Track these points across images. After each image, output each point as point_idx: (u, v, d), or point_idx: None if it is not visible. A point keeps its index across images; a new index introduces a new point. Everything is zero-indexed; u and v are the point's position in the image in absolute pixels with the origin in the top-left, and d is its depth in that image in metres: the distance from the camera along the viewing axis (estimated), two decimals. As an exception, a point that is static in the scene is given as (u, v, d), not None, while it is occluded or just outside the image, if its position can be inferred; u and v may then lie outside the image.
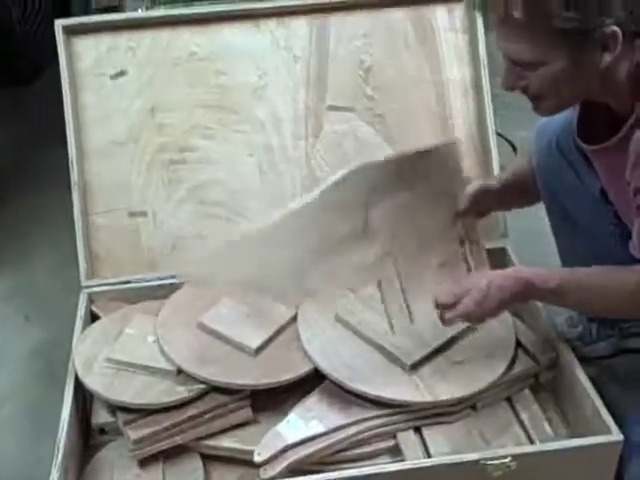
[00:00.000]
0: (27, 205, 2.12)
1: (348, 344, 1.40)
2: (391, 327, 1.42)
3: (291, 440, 1.27)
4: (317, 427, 1.29)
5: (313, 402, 1.33)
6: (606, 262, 1.27)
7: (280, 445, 1.27)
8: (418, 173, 1.39)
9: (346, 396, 1.33)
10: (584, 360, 1.39)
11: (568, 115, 1.32)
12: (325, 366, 1.35)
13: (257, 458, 1.25)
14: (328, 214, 1.34)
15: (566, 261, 1.49)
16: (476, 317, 1.28)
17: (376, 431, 1.30)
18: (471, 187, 1.43)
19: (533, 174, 1.43)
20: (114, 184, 1.64)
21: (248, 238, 1.36)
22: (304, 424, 1.29)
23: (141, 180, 1.65)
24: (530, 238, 1.62)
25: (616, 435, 1.23)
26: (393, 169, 1.38)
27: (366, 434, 1.30)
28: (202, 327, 1.44)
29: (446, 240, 1.47)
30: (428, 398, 1.30)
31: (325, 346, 1.39)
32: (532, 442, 1.29)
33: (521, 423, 1.33)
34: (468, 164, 1.59)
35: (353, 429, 1.29)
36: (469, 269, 1.46)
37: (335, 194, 1.33)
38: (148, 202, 1.65)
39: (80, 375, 1.38)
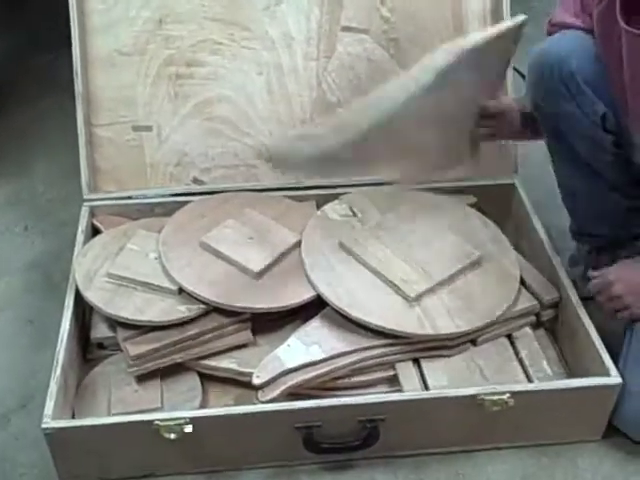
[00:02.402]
0: (27, 114, 2.07)
1: (351, 272, 1.39)
2: (396, 258, 1.41)
3: (290, 364, 1.27)
4: (317, 353, 1.28)
5: (314, 328, 1.33)
6: (605, 194, 1.31)
7: (279, 369, 1.27)
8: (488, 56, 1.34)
9: (347, 324, 1.32)
10: (584, 299, 1.38)
11: (569, 44, 1.31)
12: (327, 293, 1.34)
13: (256, 380, 1.26)
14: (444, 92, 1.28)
15: (566, 194, 1.49)
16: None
17: (375, 360, 1.31)
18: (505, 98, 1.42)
19: None
20: (118, 96, 1.59)
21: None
22: (304, 349, 1.29)
23: (146, 93, 1.60)
24: (539, 174, 1.59)
25: (615, 378, 1.23)
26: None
27: (365, 363, 1.30)
28: (205, 247, 1.42)
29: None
30: (429, 331, 1.30)
31: (328, 273, 1.38)
32: (530, 380, 1.30)
33: (520, 360, 1.34)
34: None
35: (353, 357, 1.29)
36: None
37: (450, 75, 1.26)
38: (153, 116, 1.60)
39: (81, 289, 1.37)
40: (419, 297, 1.34)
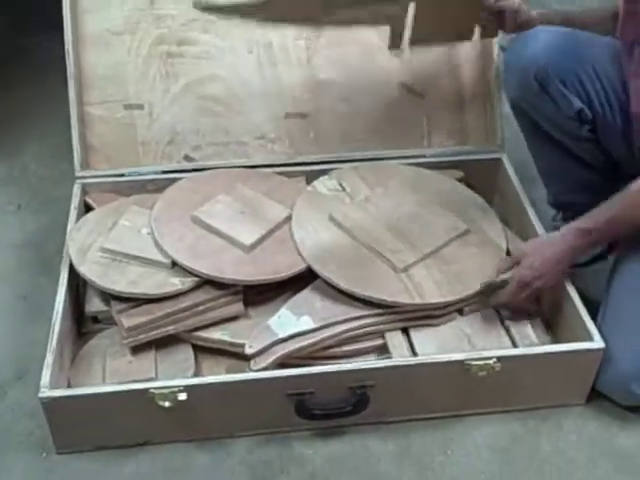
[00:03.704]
0: (17, 95, 2.08)
1: (341, 245, 1.42)
2: (384, 230, 1.44)
3: (281, 334, 1.30)
4: (307, 323, 1.31)
5: (304, 299, 1.36)
6: (581, 172, 1.44)
7: (271, 339, 1.29)
8: None
9: (337, 295, 1.35)
10: (575, 267, 1.41)
11: (542, 42, 1.35)
12: (317, 265, 1.37)
13: (248, 350, 1.28)
14: None
15: (541, 171, 1.56)
16: (532, 286, 1.31)
17: (365, 330, 1.33)
18: None
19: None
20: (110, 75, 1.61)
21: None
22: (295, 319, 1.32)
23: (138, 72, 1.62)
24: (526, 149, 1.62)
25: (598, 342, 1.26)
26: None
27: (355, 332, 1.33)
28: (197, 221, 1.44)
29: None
30: (417, 300, 1.33)
31: (318, 246, 1.41)
32: (516, 347, 1.33)
33: (506, 328, 1.37)
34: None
35: (342, 327, 1.32)
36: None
37: None
38: (144, 95, 1.62)
39: (75, 263, 1.39)
40: (407, 268, 1.37)
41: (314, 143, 1.65)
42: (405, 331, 1.36)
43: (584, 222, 1.29)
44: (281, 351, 1.28)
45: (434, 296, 1.34)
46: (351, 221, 1.45)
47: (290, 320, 1.32)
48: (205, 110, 1.63)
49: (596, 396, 1.33)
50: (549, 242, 1.34)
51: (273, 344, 1.29)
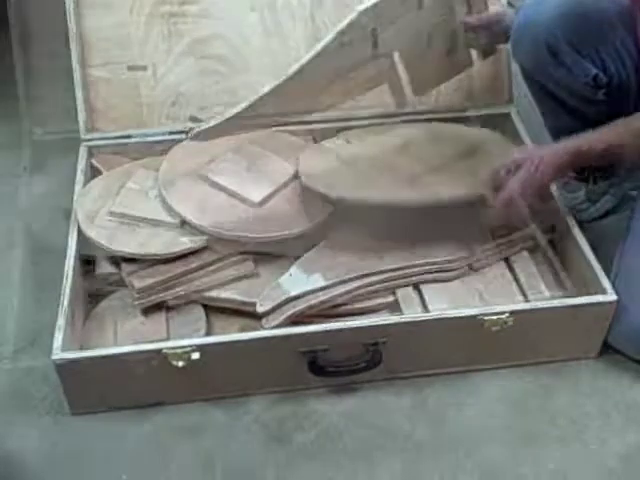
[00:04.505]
0: (22, 56, 2.05)
1: (347, 169, 1.42)
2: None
3: (293, 292, 1.30)
4: (319, 281, 1.31)
5: (315, 257, 1.35)
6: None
7: (282, 297, 1.29)
8: None
9: (348, 252, 1.35)
10: (590, 221, 1.41)
11: (554, 11, 1.31)
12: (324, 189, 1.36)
13: (260, 308, 1.28)
14: (342, 50, 1.28)
15: (552, 132, 1.53)
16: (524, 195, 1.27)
17: (376, 287, 1.33)
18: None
19: None
20: (112, 36, 1.59)
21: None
22: (305, 277, 1.32)
23: (140, 33, 1.60)
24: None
25: (610, 295, 1.26)
26: None
27: (366, 289, 1.33)
28: (204, 179, 1.43)
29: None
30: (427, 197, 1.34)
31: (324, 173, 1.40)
32: (528, 301, 1.32)
33: (518, 283, 1.36)
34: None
35: (354, 284, 1.32)
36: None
37: (347, 35, 1.27)
38: (147, 56, 1.60)
39: (83, 228, 1.38)
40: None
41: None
42: (417, 287, 1.35)
43: (580, 141, 1.27)
44: (292, 309, 1.28)
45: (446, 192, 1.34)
46: (357, 154, 1.45)
47: (301, 278, 1.32)
48: (209, 70, 1.61)
49: (608, 350, 1.33)
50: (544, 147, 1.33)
51: (284, 302, 1.29)
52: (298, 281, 1.31)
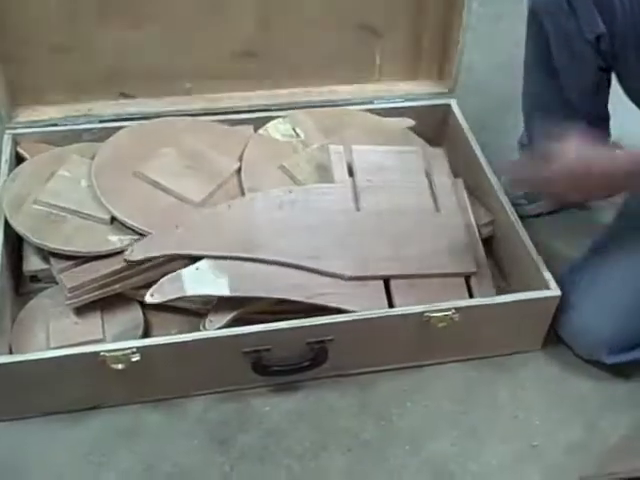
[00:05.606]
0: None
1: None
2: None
3: (190, 292, 1.20)
4: (222, 288, 1.20)
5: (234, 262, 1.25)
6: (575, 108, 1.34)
7: (177, 293, 1.20)
8: None
9: (269, 268, 1.26)
10: (526, 217, 1.41)
11: None
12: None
13: (148, 299, 1.20)
14: None
15: (530, 102, 1.50)
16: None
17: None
18: None
19: None
20: (35, 13, 1.49)
21: None
22: (212, 278, 1.21)
23: (66, 8, 1.49)
24: (476, 94, 1.60)
25: (554, 290, 1.27)
26: None
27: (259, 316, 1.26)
28: (141, 177, 1.37)
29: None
30: None
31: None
32: (473, 297, 1.32)
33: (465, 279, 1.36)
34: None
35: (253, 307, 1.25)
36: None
37: None
38: (76, 32, 1.49)
39: (7, 216, 1.30)
40: None
41: (263, 83, 1.58)
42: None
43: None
44: (237, 310, 1.23)
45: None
46: (304, 173, 1.40)
47: (207, 278, 1.21)
48: (142, 46, 1.51)
49: (550, 342, 1.35)
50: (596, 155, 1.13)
51: (178, 300, 1.22)
52: (202, 279, 1.21)
